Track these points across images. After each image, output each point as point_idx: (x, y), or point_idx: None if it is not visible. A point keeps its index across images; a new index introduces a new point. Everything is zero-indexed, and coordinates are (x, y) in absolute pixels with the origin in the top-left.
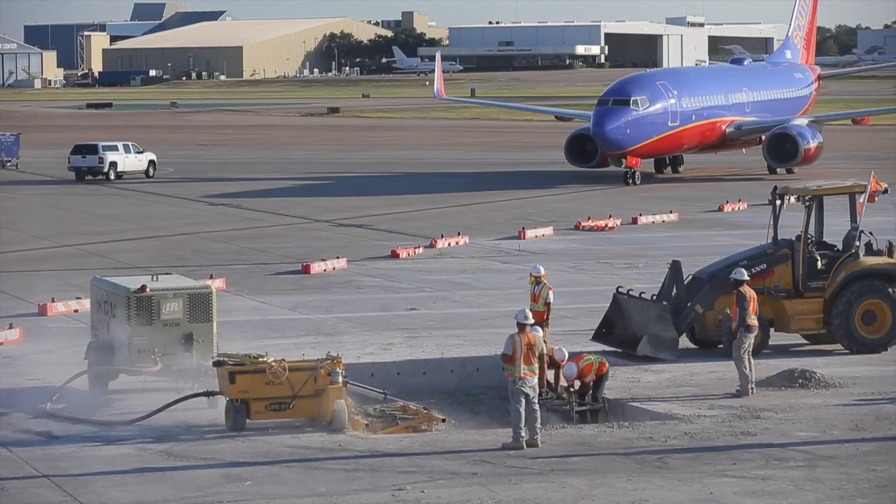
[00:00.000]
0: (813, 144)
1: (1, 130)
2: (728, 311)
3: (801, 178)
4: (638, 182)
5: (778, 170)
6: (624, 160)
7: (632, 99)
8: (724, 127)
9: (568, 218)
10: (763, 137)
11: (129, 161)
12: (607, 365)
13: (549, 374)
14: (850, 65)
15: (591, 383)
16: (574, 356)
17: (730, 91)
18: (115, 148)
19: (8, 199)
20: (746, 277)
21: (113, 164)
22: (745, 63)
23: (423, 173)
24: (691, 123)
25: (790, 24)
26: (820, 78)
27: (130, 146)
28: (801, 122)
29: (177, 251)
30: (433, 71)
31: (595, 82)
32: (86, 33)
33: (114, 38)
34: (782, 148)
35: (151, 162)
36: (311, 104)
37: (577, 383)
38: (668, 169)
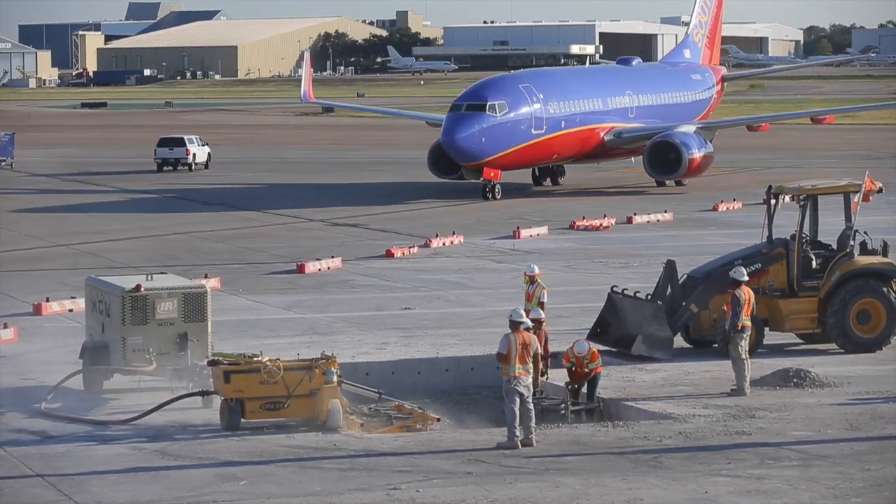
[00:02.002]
0: (699, 154)
1: None
2: (725, 308)
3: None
4: (499, 196)
5: (667, 182)
6: (481, 172)
7: (488, 104)
8: (602, 134)
9: (562, 217)
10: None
11: (200, 153)
12: (601, 366)
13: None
14: (843, 64)
15: (589, 374)
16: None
17: (610, 94)
18: (192, 141)
19: (2, 198)
20: (746, 277)
21: (194, 156)
22: (634, 63)
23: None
24: (561, 130)
25: (690, 21)
26: (724, 79)
27: (198, 139)
28: (688, 129)
29: (171, 251)
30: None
31: None
32: (80, 33)
33: (108, 38)
34: (665, 158)
35: (209, 154)
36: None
37: (573, 380)
38: (548, 181)
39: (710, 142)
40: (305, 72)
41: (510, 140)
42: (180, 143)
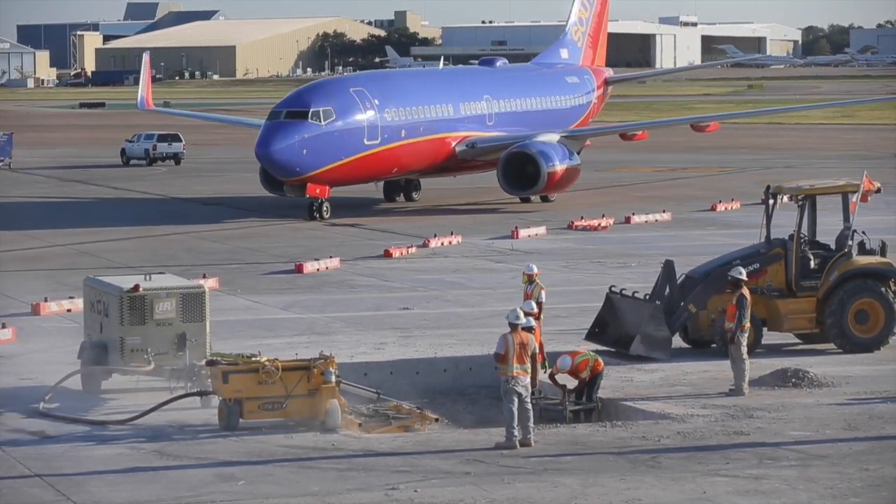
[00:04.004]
0: (560, 167)
1: None
2: (728, 309)
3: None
4: (327, 215)
5: (532, 198)
6: (304, 188)
7: (311, 111)
8: (453, 144)
9: (561, 217)
10: None
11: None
12: (602, 363)
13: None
14: (842, 64)
15: (586, 380)
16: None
17: (463, 99)
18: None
19: (0, 198)
20: (745, 277)
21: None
22: (498, 64)
23: None
24: (400, 140)
25: (569, 17)
26: (608, 82)
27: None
28: (550, 138)
29: (170, 250)
30: None
31: None
32: (79, 33)
33: (107, 38)
34: (523, 171)
35: None
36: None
37: (570, 383)
38: (402, 196)
39: (578, 153)
40: (144, 77)
41: (338, 152)
42: (177, 139)
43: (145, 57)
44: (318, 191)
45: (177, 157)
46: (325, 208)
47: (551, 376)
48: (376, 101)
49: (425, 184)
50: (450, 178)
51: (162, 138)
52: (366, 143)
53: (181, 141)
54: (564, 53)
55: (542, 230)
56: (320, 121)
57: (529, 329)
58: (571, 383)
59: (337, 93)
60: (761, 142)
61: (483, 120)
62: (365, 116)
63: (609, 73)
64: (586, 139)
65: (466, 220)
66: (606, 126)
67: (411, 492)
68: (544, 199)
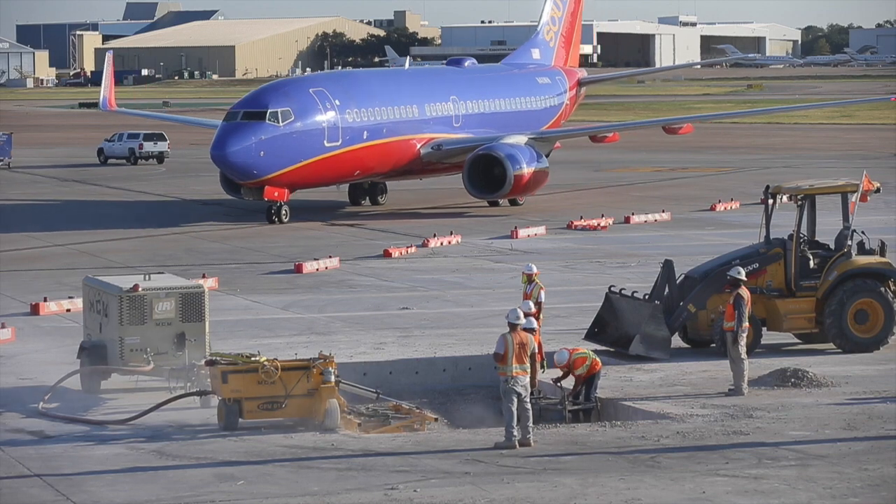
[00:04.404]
0: (528, 169)
1: None
2: (721, 308)
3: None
4: (286, 219)
5: (500, 201)
6: (262, 191)
7: (269, 111)
8: (418, 146)
9: (560, 217)
10: None
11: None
12: (600, 363)
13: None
14: (841, 64)
15: (582, 378)
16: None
17: (429, 100)
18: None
19: (0, 198)
20: (744, 277)
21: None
22: (466, 64)
23: None
24: (363, 142)
25: (540, 17)
26: (581, 83)
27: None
28: (517, 140)
29: (169, 250)
30: None
31: None
32: (78, 33)
33: (106, 38)
34: (490, 173)
35: None
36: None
37: (567, 382)
38: (367, 200)
39: (547, 155)
40: (106, 76)
41: (297, 154)
42: (162, 138)
43: (108, 56)
44: (276, 194)
45: (160, 157)
46: (283, 212)
47: (557, 381)
48: (337, 102)
49: (392, 187)
50: (416, 180)
51: (147, 137)
52: (326, 144)
53: (166, 140)
54: (536, 54)
55: (541, 230)
56: (278, 122)
57: (531, 330)
58: (570, 384)
59: (296, 93)
60: (760, 142)
61: (450, 121)
62: (325, 117)
63: (582, 73)
64: (556, 141)
65: (466, 219)
66: (576, 128)
67: (410, 492)
68: (513, 203)
